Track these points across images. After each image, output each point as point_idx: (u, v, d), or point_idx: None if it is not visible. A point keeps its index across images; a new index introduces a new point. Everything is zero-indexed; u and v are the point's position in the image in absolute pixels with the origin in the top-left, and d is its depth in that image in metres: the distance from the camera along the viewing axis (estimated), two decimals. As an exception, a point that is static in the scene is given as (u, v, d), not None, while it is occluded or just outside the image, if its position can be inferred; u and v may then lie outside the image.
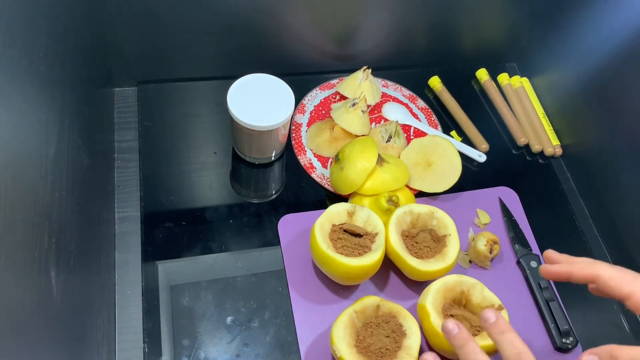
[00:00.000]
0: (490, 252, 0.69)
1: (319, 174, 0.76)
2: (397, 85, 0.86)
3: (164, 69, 0.80)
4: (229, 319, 0.64)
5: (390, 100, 0.84)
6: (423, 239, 0.66)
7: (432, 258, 0.64)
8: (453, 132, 0.83)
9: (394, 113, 0.82)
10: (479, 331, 0.60)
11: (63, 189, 0.49)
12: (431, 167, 0.74)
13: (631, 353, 0.46)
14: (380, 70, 0.86)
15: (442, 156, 0.74)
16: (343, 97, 0.83)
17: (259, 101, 0.68)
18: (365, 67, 0.80)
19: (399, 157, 0.76)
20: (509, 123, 0.85)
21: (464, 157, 0.80)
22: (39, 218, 0.43)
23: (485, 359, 0.48)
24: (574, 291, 0.72)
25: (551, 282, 0.70)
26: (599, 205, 0.79)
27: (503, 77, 0.89)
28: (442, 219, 0.66)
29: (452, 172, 0.73)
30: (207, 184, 0.74)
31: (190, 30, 0.75)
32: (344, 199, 0.73)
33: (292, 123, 0.80)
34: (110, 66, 0.77)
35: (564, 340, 0.66)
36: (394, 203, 0.67)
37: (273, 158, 0.76)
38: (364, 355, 0.58)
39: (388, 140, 0.76)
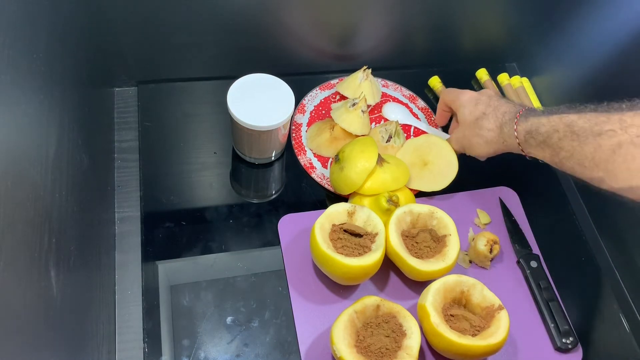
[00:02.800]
0: (490, 252, 0.69)
1: (319, 174, 0.76)
2: (397, 85, 0.86)
3: (164, 69, 0.80)
4: (229, 319, 0.64)
5: (390, 101, 0.84)
6: (423, 239, 0.66)
7: (432, 258, 0.64)
8: None
9: (394, 113, 0.82)
10: (478, 331, 0.60)
11: (63, 189, 0.49)
12: (427, 167, 0.74)
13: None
14: (380, 70, 0.86)
15: (438, 155, 0.74)
16: (343, 97, 0.83)
17: (259, 101, 0.68)
18: (365, 67, 0.80)
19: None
20: (509, 123, 0.85)
21: (466, 155, 0.80)
22: (39, 218, 0.43)
23: None
24: (574, 291, 0.72)
25: (551, 282, 0.70)
26: (599, 205, 0.78)
27: (503, 77, 0.89)
28: (442, 219, 0.67)
29: (449, 170, 0.73)
30: (207, 184, 0.74)
31: (190, 30, 0.75)
32: (344, 199, 0.73)
33: (292, 123, 0.80)
34: (110, 66, 0.77)
35: (564, 340, 0.66)
36: (394, 203, 0.67)
37: (273, 158, 0.76)
38: (364, 355, 0.58)
39: (388, 140, 0.76)
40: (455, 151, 0.72)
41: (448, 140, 0.74)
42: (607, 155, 0.52)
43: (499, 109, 0.65)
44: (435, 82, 0.87)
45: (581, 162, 0.54)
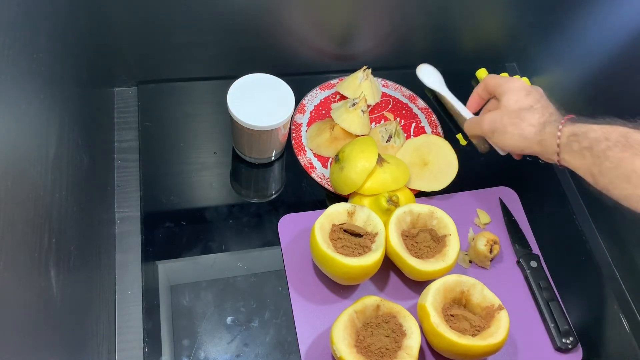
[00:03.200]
0: (490, 252, 0.69)
1: (319, 174, 0.76)
2: (397, 85, 0.86)
3: (164, 69, 0.80)
4: (229, 319, 0.64)
5: (425, 63, 0.84)
6: (423, 239, 0.66)
7: (432, 258, 0.64)
8: (459, 135, 0.83)
9: (430, 76, 0.80)
10: (478, 331, 0.60)
11: (63, 189, 0.49)
12: (427, 167, 0.74)
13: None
14: (380, 70, 0.86)
15: (438, 155, 0.74)
16: (343, 97, 0.83)
17: (259, 101, 0.68)
18: (365, 67, 0.80)
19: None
20: (509, 123, 0.85)
21: (466, 155, 0.80)
22: (39, 218, 0.43)
23: None
24: (574, 291, 0.72)
25: (551, 282, 0.70)
26: (599, 205, 0.78)
27: (503, 77, 0.89)
28: (442, 219, 0.67)
29: (449, 170, 0.73)
30: (207, 184, 0.74)
31: (190, 30, 0.75)
32: (344, 199, 0.73)
33: (292, 123, 0.80)
34: (110, 66, 0.77)
35: (564, 340, 0.66)
36: (394, 203, 0.67)
37: (273, 158, 0.76)
38: (364, 355, 0.58)
39: (388, 140, 0.76)
40: (483, 133, 0.66)
41: (477, 119, 0.68)
42: None
43: (547, 108, 0.62)
44: (435, 82, 0.87)
45: (627, 176, 0.51)
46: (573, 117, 0.60)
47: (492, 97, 0.70)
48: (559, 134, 0.58)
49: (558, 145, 0.58)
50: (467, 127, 0.72)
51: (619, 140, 0.53)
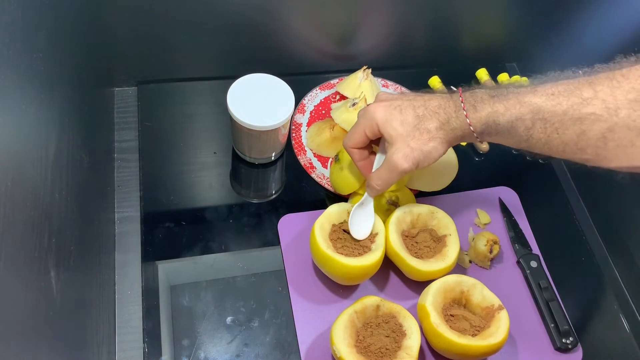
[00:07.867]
0: (490, 252, 0.69)
1: (319, 174, 0.76)
2: (397, 85, 0.86)
3: (164, 69, 0.80)
4: (229, 319, 0.64)
5: None
6: (423, 239, 0.66)
7: (432, 258, 0.64)
8: None
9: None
10: (478, 331, 0.60)
11: (63, 189, 0.49)
12: (427, 167, 0.74)
13: None
14: (380, 70, 0.86)
15: None
16: (343, 97, 0.83)
17: (259, 101, 0.68)
18: (365, 67, 0.80)
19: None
20: (509, 123, 0.85)
21: (466, 155, 0.80)
22: (39, 218, 0.43)
23: None
24: (574, 291, 0.72)
25: (551, 282, 0.70)
26: (599, 205, 0.78)
27: (503, 77, 0.89)
28: (442, 219, 0.67)
29: (449, 170, 0.73)
30: (207, 184, 0.74)
31: (190, 30, 0.75)
32: (344, 199, 0.73)
33: (292, 123, 0.80)
34: (110, 66, 0.77)
35: (564, 340, 0.66)
36: (394, 203, 0.67)
37: (273, 158, 0.76)
38: (364, 355, 0.58)
39: (388, 140, 0.76)
40: (408, 169, 0.58)
41: (385, 169, 0.60)
42: (595, 141, 0.48)
43: (428, 106, 0.56)
44: (435, 82, 0.87)
45: (561, 148, 0.50)
46: (464, 97, 0.55)
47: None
48: (471, 128, 0.54)
49: (476, 136, 0.56)
50: (376, 182, 0.61)
51: (534, 119, 0.50)
